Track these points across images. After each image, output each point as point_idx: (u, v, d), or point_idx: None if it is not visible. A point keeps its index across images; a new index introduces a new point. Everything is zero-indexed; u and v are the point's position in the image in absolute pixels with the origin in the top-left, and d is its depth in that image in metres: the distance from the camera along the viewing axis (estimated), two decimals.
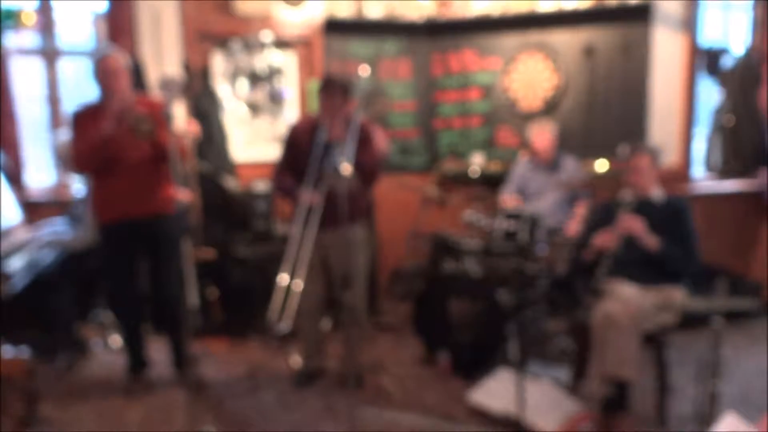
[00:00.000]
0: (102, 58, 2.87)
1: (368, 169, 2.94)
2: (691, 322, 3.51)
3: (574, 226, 3.70)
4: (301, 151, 2.99)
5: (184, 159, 3.26)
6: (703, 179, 4.55)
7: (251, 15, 4.19)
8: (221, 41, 4.22)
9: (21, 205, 3.73)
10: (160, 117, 2.83)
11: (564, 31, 4.34)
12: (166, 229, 2.98)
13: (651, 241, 2.73)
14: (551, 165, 3.92)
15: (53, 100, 4.06)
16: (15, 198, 3.61)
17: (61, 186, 4.12)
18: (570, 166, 3.92)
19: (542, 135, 3.90)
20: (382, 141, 3.12)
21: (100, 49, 2.96)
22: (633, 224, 2.74)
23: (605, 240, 2.77)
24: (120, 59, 2.90)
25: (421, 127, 4.73)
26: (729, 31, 4.48)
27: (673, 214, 2.85)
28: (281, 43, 4.31)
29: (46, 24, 3.98)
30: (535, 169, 3.96)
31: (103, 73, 2.85)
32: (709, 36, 4.39)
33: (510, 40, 4.46)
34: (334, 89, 2.91)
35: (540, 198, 3.89)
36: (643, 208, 2.83)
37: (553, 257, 3.62)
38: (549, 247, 3.57)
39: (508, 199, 3.98)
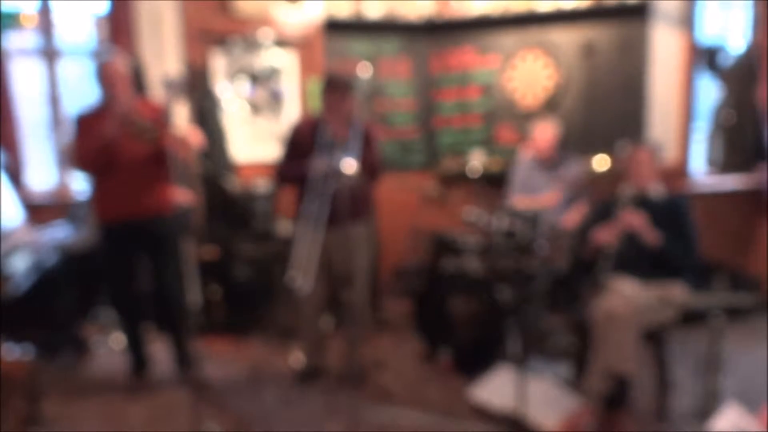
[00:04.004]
0: (104, 63, 2.88)
1: (371, 168, 2.94)
2: (691, 318, 3.52)
3: (571, 218, 3.69)
4: (303, 150, 2.99)
5: (186, 161, 3.27)
6: (702, 176, 4.55)
7: (251, 15, 4.20)
8: (221, 41, 4.23)
9: (22, 206, 3.74)
10: (161, 120, 2.84)
11: (563, 29, 4.34)
12: (165, 229, 2.99)
13: (652, 236, 2.74)
14: (553, 163, 3.92)
15: (54, 100, 4.07)
16: (17, 198, 3.61)
17: (62, 187, 4.13)
18: (572, 164, 3.92)
19: (544, 133, 3.90)
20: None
21: (101, 53, 2.96)
22: (634, 220, 2.74)
23: (605, 235, 2.77)
24: (122, 63, 2.91)
25: (421, 125, 4.73)
26: (728, 28, 4.48)
27: (672, 211, 2.85)
28: (281, 43, 4.32)
29: (46, 24, 3.98)
30: (538, 167, 3.96)
31: (104, 77, 2.86)
32: (708, 33, 4.39)
33: (509, 38, 4.47)
34: (337, 88, 2.91)
35: (542, 196, 3.88)
36: (643, 204, 2.83)
37: (553, 254, 3.63)
38: (549, 244, 3.57)
39: (520, 199, 3.90)
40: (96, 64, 2.89)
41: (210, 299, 3.73)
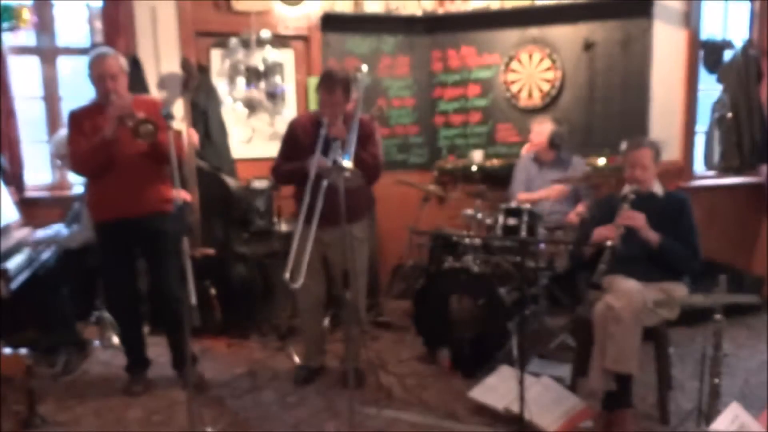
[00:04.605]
0: (97, 61, 2.85)
1: (369, 165, 2.92)
2: (692, 317, 3.51)
3: (573, 216, 3.67)
4: (302, 147, 2.97)
5: (183, 159, 3.25)
6: (704, 174, 4.53)
7: (249, 11, 4.18)
8: (219, 38, 4.21)
9: (20, 204, 3.72)
10: (159, 117, 2.81)
11: (563, 25, 4.33)
12: (163, 227, 2.96)
13: (651, 235, 2.72)
14: (555, 162, 3.89)
15: (51, 98, 4.06)
16: (10, 196, 3.57)
17: (60, 184, 4.11)
18: (576, 164, 3.89)
19: (541, 131, 3.88)
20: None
21: (95, 51, 2.93)
22: (633, 218, 2.72)
23: (606, 234, 2.75)
24: (116, 61, 2.87)
25: (421, 123, 4.72)
26: (729, 26, 4.46)
27: (673, 210, 2.84)
28: (279, 40, 4.30)
29: (43, 22, 3.97)
30: (538, 165, 3.94)
31: (99, 75, 2.83)
32: (708, 30, 4.37)
33: (509, 36, 4.45)
34: (334, 84, 2.88)
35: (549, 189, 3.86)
36: (644, 203, 2.81)
37: (554, 253, 3.61)
38: (550, 243, 3.56)
39: (522, 197, 3.86)
40: (92, 61, 2.87)
41: (208, 298, 3.71)
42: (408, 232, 4.06)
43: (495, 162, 4.43)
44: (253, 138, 4.39)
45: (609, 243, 2.66)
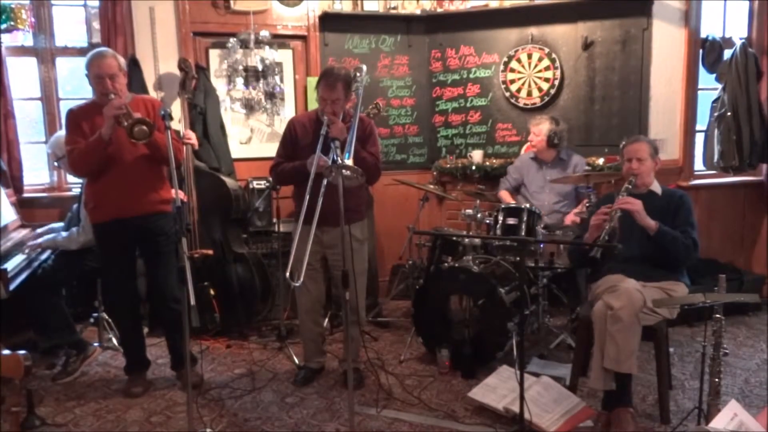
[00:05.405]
0: (96, 61, 2.84)
1: (370, 165, 2.90)
2: (692, 316, 3.50)
3: (571, 216, 3.68)
4: (301, 145, 2.96)
5: (182, 159, 3.24)
6: (704, 173, 4.53)
7: (247, 11, 4.17)
8: (217, 38, 4.20)
9: (18, 205, 3.71)
10: (157, 117, 2.80)
11: (562, 24, 4.32)
12: (161, 228, 2.95)
13: (649, 221, 2.70)
14: (555, 161, 3.89)
15: (49, 99, 4.05)
16: (6, 197, 3.56)
17: (59, 185, 4.11)
18: (576, 162, 3.89)
19: (539, 130, 3.87)
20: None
21: (94, 51, 2.93)
22: (630, 202, 2.72)
23: (602, 215, 2.73)
24: (114, 61, 2.86)
25: (420, 123, 4.72)
26: (728, 24, 4.46)
27: (672, 206, 2.83)
28: (277, 40, 4.29)
29: (41, 23, 3.96)
30: (539, 165, 3.94)
31: (97, 75, 2.82)
32: (708, 29, 4.36)
33: (508, 35, 4.45)
34: (334, 80, 2.87)
35: (542, 194, 3.86)
36: (643, 201, 2.80)
37: (554, 253, 3.61)
38: (549, 243, 3.56)
39: (505, 196, 3.96)
40: (90, 61, 2.86)
41: (207, 299, 3.70)
42: (407, 232, 4.05)
43: (494, 162, 4.43)
44: (251, 138, 4.38)
45: (606, 226, 2.67)
